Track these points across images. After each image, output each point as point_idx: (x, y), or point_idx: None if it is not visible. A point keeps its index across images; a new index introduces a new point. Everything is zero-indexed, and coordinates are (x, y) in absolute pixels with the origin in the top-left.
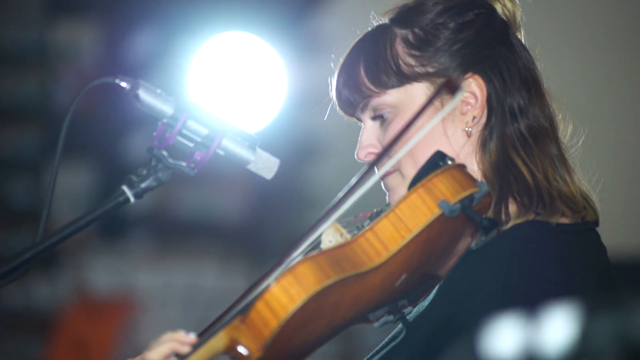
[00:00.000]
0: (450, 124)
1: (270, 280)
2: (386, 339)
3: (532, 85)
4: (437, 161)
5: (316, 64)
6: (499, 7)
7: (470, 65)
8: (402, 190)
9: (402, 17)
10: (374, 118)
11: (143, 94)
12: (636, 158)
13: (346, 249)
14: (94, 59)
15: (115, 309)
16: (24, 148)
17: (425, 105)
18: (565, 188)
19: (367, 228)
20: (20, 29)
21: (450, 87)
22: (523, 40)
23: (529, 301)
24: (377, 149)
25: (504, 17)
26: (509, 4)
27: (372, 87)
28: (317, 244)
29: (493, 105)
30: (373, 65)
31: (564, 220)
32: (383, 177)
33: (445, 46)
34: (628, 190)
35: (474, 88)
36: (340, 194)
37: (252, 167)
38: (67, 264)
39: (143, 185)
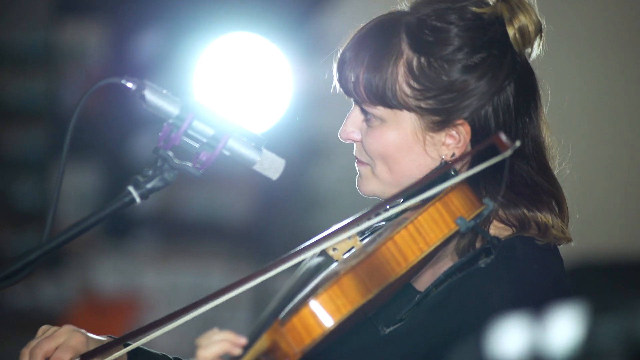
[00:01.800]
0: (430, 143)
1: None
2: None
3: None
4: (447, 172)
5: (322, 65)
6: (511, 33)
7: (462, 112)
8: (371, 184)
9: (418, 36)
10: (362, 111)
11: (149, 95)
12: (635, 158)
13: (374, 260)
14: (100, 59)
15: (122, 309)
16: (30, 148)
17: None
18: (541, 217)
19: (386, 237)
20: (27, 29)
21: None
22: (539, 49)
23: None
24: (357, 136)
25: (515, 45)
26: (523, 19)
27: (366, 97)
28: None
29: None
30: (372, 77)
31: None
32: (357, 162)
33: (445, 90)
34: (628, 190)
35: (460, 132)
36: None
37: (257, 167)
38: (73, 265)
39: (149, 185)
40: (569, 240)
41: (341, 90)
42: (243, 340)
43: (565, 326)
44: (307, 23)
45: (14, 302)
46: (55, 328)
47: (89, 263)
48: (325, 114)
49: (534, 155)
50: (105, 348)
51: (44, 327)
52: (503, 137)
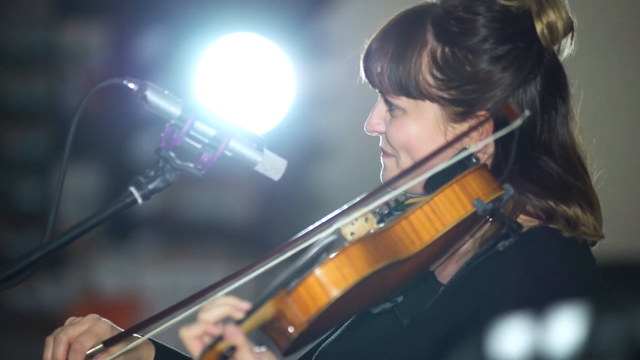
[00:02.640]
0: (452, 134)
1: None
2: (344, 327)
3: (556, 125)
4: (465, 158)
5: (324, 66)
6: (539, 27)
7: (485, 104)
8: (394, 175)
9: (444, 26)
10: (386, 102)
11: (151, 95)
12: (634, 157)
13: (386, 236)
14: (101, 60)
15: (123, 309)
16: (32, 149)
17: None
18: (570, 212)
19: (401, 216)
20: (28, 30)
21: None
22: (571, 47)
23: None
24: (382, 128)
25: (542, 40)
26: (552, 15)
27: (389, 88)
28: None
29: (506, 140)
30: (395, 67)
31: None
32: (382, 155)
33: (468, 80)
34: (629, 190)
35: (483, 125)
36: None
37: (259, 168)
38: (74, 265)
39: (150, 186)
40: (601, 237)
41: (367, 81)
42: (245, 305)
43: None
44: (309, 24)
45: (16, 302)
46: (81, 317)
47: (91, 264)
48: (327, 114)
49: (561, 152)
50: (127, 334)
51: (71, 318)
52: (513, 106)
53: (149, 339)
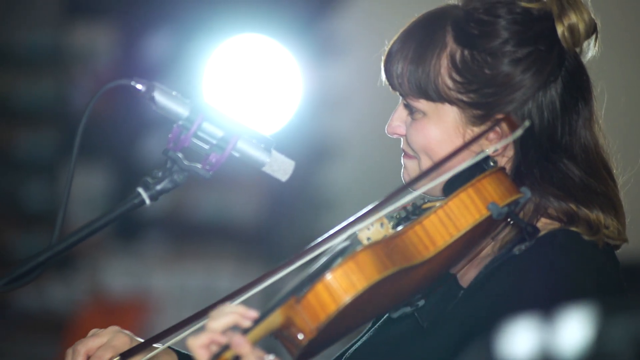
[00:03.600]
0: (471, 136)
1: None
2: (371, 331)
3: (577, 129)
4: (482, 162)
5: (331, 66)
6: (560, 30)
7: (505, 107)
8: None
9: (463, 29)
10: (406, 105)
11: (158, 96)
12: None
13: (398, 241)
14: (109, 61)
15: (131, 310)
16: (40, 150)
17: (467, 144)
18: (592, 216)
19: (415, 222)
20: (36, 31)
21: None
22: (595, 49)
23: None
24: (402, 130)
25: (564, 42)
26: (573, 17)
27: (409, 90)
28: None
29: (526, 143)
30: (415, 70)
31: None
32: (403, 156)
33: (487, 83)
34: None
35: (503, 128)
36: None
37: (267, 169)
38: (82, 266)
39: (158, 187)
40: (625, 241)
41: (388, 83)
42: (253, 314)
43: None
44: (316, 25)
45: (24, 303)
46: (102, 330)
47: (99, 264)
48: (335, 115)
49: (582, 156)
50: (145, 345)
51: (93, 330)
52: (513, 117)
53: (170, 347)
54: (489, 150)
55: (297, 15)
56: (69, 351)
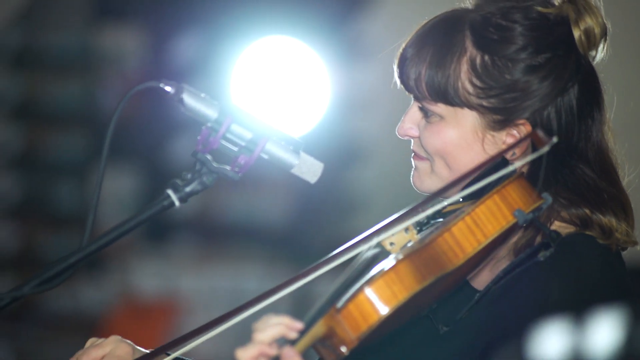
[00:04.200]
0: (490, 142)
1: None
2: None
3: (592, 133)
4: (503, 168)
5: (359, 68)
6: (577, 34)
7: (524, 112)
8: (427, 180)
9: (482, 34)
10: (420, 108)
11: (187, 98)
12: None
13: (430, 250)
14: (138, 63)
15: (160, 311)
16: (69, 152)
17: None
18: (605, 220)
19: (443, 228)
20: (65, 33)
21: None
22: (604, 52)
23: (591, 312)
24: (414, 132)
25: (580, 47)
26: (589, 21)
27: (427, 94)
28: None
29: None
30: (434, 74)
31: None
32: (414, 157)
33: (507, 89)
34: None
35: (521, 132)
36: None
37: (296, 171)
38: (112, 268)
39: (188, 189)
40: (635, 243)
41: (402, 86)
42: (299, 325)
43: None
44: (344, 26)
45: (55, 305)
46: (103, 339)
47: (129, 266)
48: (363, 117)
49: (596, 159)
50: (149, 357)
51: (91, 339)
52: (540, 133)
53: (178, 358)
54: (517, 165)
55: (324, 18)
56: None
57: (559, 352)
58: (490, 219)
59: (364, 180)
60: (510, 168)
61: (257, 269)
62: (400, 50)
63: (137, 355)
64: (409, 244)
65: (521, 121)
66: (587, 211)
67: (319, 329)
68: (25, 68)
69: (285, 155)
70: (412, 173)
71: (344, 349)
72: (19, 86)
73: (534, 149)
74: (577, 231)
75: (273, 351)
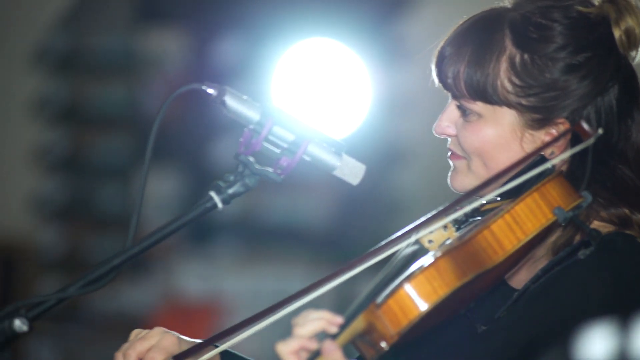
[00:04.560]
0: (529, 140)
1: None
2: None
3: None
4: (542, 166)
5: (400, 69)
6: (617, 34)
7: (563, 111)
8: (465, 179)
9: (522, 33)
10: (458, 107)
11: (229, 101)
12: None
13: (469, 247)
14: (180, 65)
15: (204, 313)
16: (113, 155)
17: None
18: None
19: (482, 226)
20: (108, 36)
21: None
22: None
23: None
24: (452, 131)
25: (620, 47)
26: (630, 21)
27: (465, 93)
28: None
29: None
30: (473, 72)
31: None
32: (451, 156)
33: (547, 88)
34: None
35: (560, 131)
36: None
37: (338, 172)
38: (156, 269)
39: (230, 191)
40: None
41: (440, 85)
42: (340, 320)
43: None
44: (385, 28)
45: (99, 306)
46: (147, 330)
47: (172, 268)
48: (404, 118)
49: (635, 159)
50: (197, 349)
51: (136, 331)
52: (585, 125)
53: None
54: (554, 160)
55: (365, 19)
56: (119, 356)
57: (602, 352)
58: (530, 216)
59: (406, 182)
60: (547, 164)
61: (300, 271)
62: (439, 48)
63: (183, 346)
64: (448, 242)
65: (560, 120)
66: (627, 211)
67: (358, 324)
68: (71, 71)
69: (327, 157)
70: (450, 172)
71: (383, 344)
72: (64, 89)
73: (574, 156)
74: (617, 230)
75: (313, 345)
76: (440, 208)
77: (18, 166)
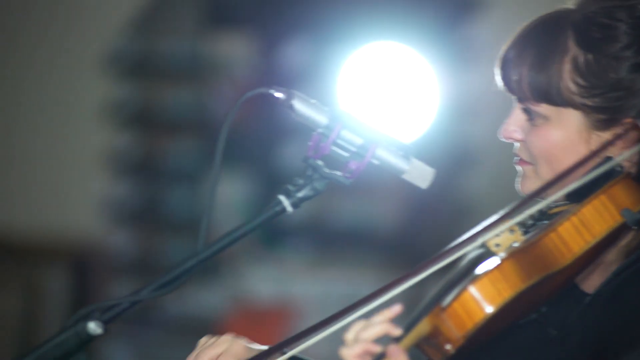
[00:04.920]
0: (596, 142)
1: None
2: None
3: None
4: (609, 167)
5: (468, 73)
6: None
7: (630, 111)
8: (533, 185)
9: (585, 33)
10: (524, 110)
11: (298, 104)
12: None
13: (536, 249)
14: (248, 69)
15: (274, 317)
16: (182, 158)
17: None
18: None
19: (549, 228)
20: (177, 41)
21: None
22: None
23: None
24: (518, 135)
25: None
26: None
27: (530, 95)
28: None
29: None
30: (536, 74)
31: None
32: (518, 162)
33: (612, 88)
34: None
35: (627, 131)
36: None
37: (407, 176)
38: (226, 273)
39: (300, 194)
40: None
41: (505, 88)
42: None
43: None
44: (453, 31)
45: (170, 309)
46: (216, 337)
47: (242, 271)
48: (473, 121)
49: None
50: (266, 355)
51: (204, 338)
52: None
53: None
54: (619, 158)
55: (432, 22)
56: None
57: None
58: (598, 218)
59: (474, 185)
60: (612, 163)
61: (370, 275)
62: (502, 52)
63: (252, 352)
64: (515, 245)
65: (627, 120)
66: None
67: (423, 327)
68: (141, 76)
69: (396, 161)
70: (518, 179)
71: (449, 347)
72: (135, 94)
73: None
74: None
75: (377, 348)
76: (507, 210)
77: (89, 170)
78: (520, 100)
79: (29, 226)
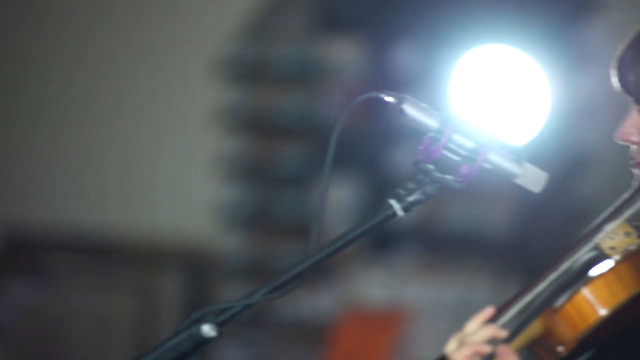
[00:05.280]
0: None
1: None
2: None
3: None
4: None
5: (581, 76)
6: None
7: None
8: None
9: None
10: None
11: (409, 109)
12: None
13: None
14: (358, 74)
15: (386, 321)
16: (293, 162)
17: None
18: None
19: None
20: (286, 45)
21: None
22: None
23: None
24: (636, 138)
25: None
26: None
27: None
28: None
29: None
30: None
31: None
32: (635, 165)
33: None
34: None
35: None
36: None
37: (519, 180)
38: (336, 277)
39: (411, 198)
40: None
41: (622, 90)
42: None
43: None
44: (564, 34)
45: (281, 313)
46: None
47: (353, 275)
48: (585, 125)
49: None
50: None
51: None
52: None
53: None
54: None
55: (543, 25)
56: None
57: None
58: None
59: (589, 189)
60: None
61: (485, 280)
62: (619, 52)
63: None
64: (630, 248)
65: None
66: None
67: (534, 329)
68: (251, 80)
69: (508, 165)
70: (635, 183)
71: (561, 349)
72: (245, 98)
73: None
74: None
75: (488, 349)
76: (624, 214)
77: (202, 175)
78: (638, 101)
79: (145, 231)
